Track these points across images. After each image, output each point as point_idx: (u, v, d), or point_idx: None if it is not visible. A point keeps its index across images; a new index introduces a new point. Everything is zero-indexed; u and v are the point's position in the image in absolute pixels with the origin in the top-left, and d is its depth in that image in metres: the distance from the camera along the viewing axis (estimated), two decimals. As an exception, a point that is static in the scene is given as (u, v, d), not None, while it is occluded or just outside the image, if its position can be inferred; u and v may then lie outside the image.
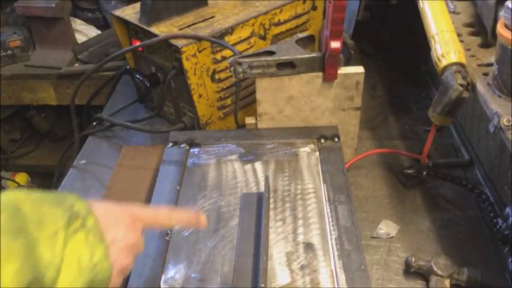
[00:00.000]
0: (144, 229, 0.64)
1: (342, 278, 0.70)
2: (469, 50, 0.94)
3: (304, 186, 0.87)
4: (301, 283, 0.70)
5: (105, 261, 0.56)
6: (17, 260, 0.49)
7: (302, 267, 0.73)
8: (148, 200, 0.92)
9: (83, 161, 1.16)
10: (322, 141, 0.96)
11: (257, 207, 0.82)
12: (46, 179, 1.89)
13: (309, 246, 0.76)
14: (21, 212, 0.52)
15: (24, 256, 0.49)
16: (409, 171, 1.03)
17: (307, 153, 0.94)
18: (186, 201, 0.86)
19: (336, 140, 0.96)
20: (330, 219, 0.79)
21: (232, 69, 0.94)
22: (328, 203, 0.82)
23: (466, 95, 0.84)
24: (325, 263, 0.73)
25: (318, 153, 0.94)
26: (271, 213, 0.82)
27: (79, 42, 1.74)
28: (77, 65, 1.70)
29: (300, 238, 0.77)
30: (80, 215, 0.56)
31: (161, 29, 1.07)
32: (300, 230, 0.79)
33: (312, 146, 0.96)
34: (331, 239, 0.76)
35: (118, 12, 1.15)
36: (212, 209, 0.84)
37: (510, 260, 0.83)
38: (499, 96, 0.80)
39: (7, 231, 0.49)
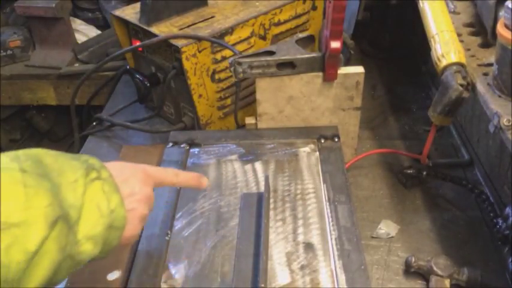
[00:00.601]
0: (155, 185, 0.69)
1: (342, 278, 0.70)
2: (469, 50, 0.94)
3: (304, 186, 0.87)
4: (301, 283, 0.70)
5: (121, 209, 0.60)
6: (47, 196, 0.52)
7: (302, 267, 0.73)
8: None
9: (83, 161, 1.16)
10: (322, 141, 0.96)
11: (257, 207, 0.82)
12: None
13: (309, 246, 0.76)
14: (43, 163, 0.55)
15: (52, 194, 0.52)
16: (409, 171, 1.03)
17: (307, 153, 0.94)
18: (186, 201, 0.86)
19: (336, 140, 0.96)
20: (330, 219, 0.79)
21: (232, 69, 0.94)
22: (328, 203, 0.82)
23: (466, 95, 0.84)
24: (325, 263, 0.73)
25: (318, 153, 0.94)
26: (271, 213, 0.82)
27: (79, 42, 1.74)
28: (77, 65, 1.70)
29: (300, 238, 0.77)
30: (95, 168, 0.60)
31: (161, 29, 1.07)
32: (300, 230, 0.79)
33: (312, 146, 0.96)
34: (331, 239, 0.76)
35: (118, 12, 1.15)
36: (212, 209, 0.84)
37: (510, 260, 0.83)
38: (499, 96, 0.80)
39: (34, 173, 0.53)
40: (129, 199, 0.63)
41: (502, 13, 0.82)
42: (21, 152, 0.55)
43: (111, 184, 0.60)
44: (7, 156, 0.54)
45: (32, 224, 0.49)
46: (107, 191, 0.59)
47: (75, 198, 0.56)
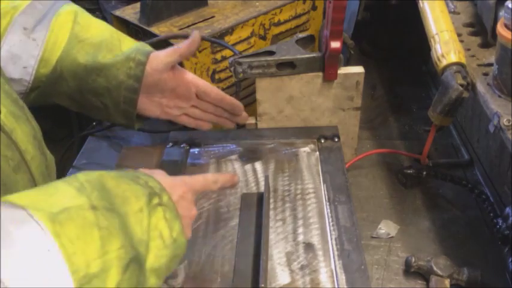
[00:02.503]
0: (196, 195, 0.68)
1: (342, 278, 0.70)
2: (469, 50, 0.94)
3: (304, 186, 0.87)
4: (301, 283, 0.70)
5: (182, 236, 0.59)
6: (119, 236, 0.49)
7: (302, 267, 0.73)
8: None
9: (83, 161, 1.16)
10: (322, 141, 0.96)
11: (257, 207, 0.82)
12: (46, 179, 1.88)
13: (309, 246, 0.76)
14: (106, 187, 0.53)
15: (123, 233, 0.50)
16: (409, 171, 1.02)
17: (307, 153, 0.94)
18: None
19: (336, 140, 0.96)
20: (330, 219, 0.79)
21: (232, 69, 0.94)
22: (328, 203, 0.82)
23: (466, 95, 0.84)
24: (325, 263, 0.73)
25: (318, 153, 0.94)
26: (271, 213, 0.82)
27: (79, 42, 1.73)
28: (77, 65, 1.69)
29: (300, 238, 0.77)
30: (156, 192, 0.58)
31: (161, 29, 1.07)
32: (300, 230, 0.79)
33: (312, 146, 0.96)
34: (331, 239, 0.76)
35: (118, 12, 1.15)
36: (212, 209, 0.84)
37: (510, 260, 0.82)
38: (499, 96, 0.80)
39: (104, 208, 0.50)
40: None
41: (502, 13, 0.82)
42: (83, 178, 0.52)
43: (172, 210, 0.58)
44: (71, 186, 0.50)
45: (108, 271, 0.46)
46: (169, 219, 0.57)
47: (142, 232, 0.53)
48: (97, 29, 0.83)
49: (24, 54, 0.76)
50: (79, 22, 0.81)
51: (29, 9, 0.77)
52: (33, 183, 0.61)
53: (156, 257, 0.54)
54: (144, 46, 0.84)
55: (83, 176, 0.53)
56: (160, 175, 0.63)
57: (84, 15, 0.84)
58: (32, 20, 0.77)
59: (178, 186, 0.64)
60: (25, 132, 0.61)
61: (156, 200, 0.57)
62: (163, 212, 0.57)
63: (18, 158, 0.58)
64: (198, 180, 0.69)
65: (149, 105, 0.86)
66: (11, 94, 0.63)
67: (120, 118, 0.84)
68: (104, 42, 0.81)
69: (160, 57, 0.82)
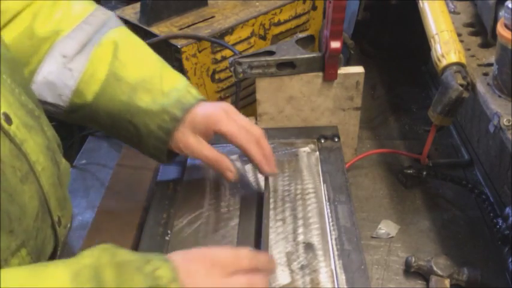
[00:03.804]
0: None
1: (342, 278, 0.70)
2: (469, 50, 0.94)
3: (304, 186, 0.87)
4: (301, 283, 0.70)
5: None
6: None
7: (302, 267, 0.73)
8: (148, 200, 0.92)
9: (83, 161, 1.16)
10: (322, 141, 0.96)
11: (257, 207, 0.82)
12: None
13: (309, 246, 0.76)
14: (102, 280, 0.50)
15: None
16: (409, 171, 1.03)
17: (307, 153, 0.94)
18: (185, 202, 0.86)
19: (336, 140, 0.96)
20: (330, 219, 0.79)
21: (232, 69, 0.94)
22: (328, 203, 0.82)
23: (466, 95, 0.84)
24: (325, 263, 0.73)
25: (318, 153, 0.94)
26: (271, 213, 0.82)
27: (79, 42, 1.74)
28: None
29: (300, 238, 0.77)
30: (161, 284, 0.52)
31: (161, 29, 1.07)
32: (300, 230, 0.79)
33: (312, 146, 0.96)
34: (331, 239, 0.76)
35: (118, 12, 1.15)
36: (212, 209, 0.84)
37: (510, 260, 0.83)
38: (499, 96, 0.80)
39: None
40: None
41: (502, 13, 0.82)
42: (85, 263, 0.50)
43: None
44: (68, 269, 0.49)
45: None
46: None
47: None
48: (137, 66, 0.79)
49: (60, 83, 0.75)
50: (118, 57, 0.77)
51: (73, 34, 0.75)
52: (42, 194, 0.61)
53: None
54: (186, 95, 0.78)
55: (87, 259, 0.51)
56: (180, 255, 0.58)
57: (124, 48, 0.79)
58: (73, 47, 0.75)
59: (203, 272, 0.57)
60: (38, 143, 0.61)
61: None
62: None
63: (26, 168, 0.58)
64: (229, 257, 0.60)
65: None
66: (27, 105, 0.63)
67: (151, 155, 0.83)
68: (143, 83, 0.77)
69: (198, 119, 0.76)
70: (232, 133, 0.77)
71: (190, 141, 0.77)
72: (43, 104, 0.75)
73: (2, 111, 0.56)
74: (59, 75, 0.75)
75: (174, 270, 0.53)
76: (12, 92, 0.60)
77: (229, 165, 0.79)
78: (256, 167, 0.80)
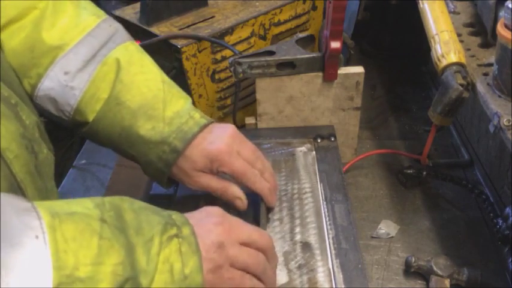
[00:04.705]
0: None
1: (340, 277, 0.70)
2: (469, 50, 0.94)
3: (301, 185, 0.87)
4: (299, 282, 0.70)
5: (197, 275, 0.54)
6: (121, 252, 0.48)
7: (299, 267, 0.73)
8: (147, 200, 0.92)
9: (83, 161, 1.17)
10: (319, 140, 0.96)
11: (254, 207, 0.82)
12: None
13: (306, 246, 0.76)
14: (123, 219, 0.52)
15: (125, 251, 0.49)
16: (409, 171, 1.02)
17: (304, 152, 0.94)
18: (185, 202, 0.86)
19: (333, 139, 0.96)
20: (327, 218, 0.79)
21: (232, 69, 0.94)
22: (325, 202, 0.82)
23: (466, 95, 0.84)
24: (323, 262, 0.73)
25: (314, 152, 0.94)
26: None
27: (80, 42, 1.74)
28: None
29: (297, 237, 0.77)
30: (176, 223, 0.55)
31: (161, 29, 1.07)
32: (297, 229, 0.79)
33: (309, 145, 0.96)
34: (328, 238, 0.76)
35: (118, 12, 1.15)
36: (211, 209, 0.84)
37: (510, 260, 0.82)
38: (499, 96, 0.80)
39: (113, 225, 0.50)
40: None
41: (502, 13, 0.82)
42: (108, 199, 0.53)
43: (191, 244, 0.54)
44: (93, 201, 0.51)
45: (98, 282, 0.45)
46: (184, 252, 0.53)
47: (148, 261, 0.50)
48: (140, 89, 0.75)
49: (61, 100, 0.74)
50: (121, 79, 0.74)
51: (77, 49, 0.73)
52: (14, 181, 0.59)
53: None
54: (189, 121, 0.75)
55: (109, 198, 0.53)
56: (199, 218, 0.60)
57: (128, 69, 0.76)
58: (76, 64, 0.73)
59: (216, 231, 0.59)
60: (10, 130, 0.59)
61: (173, 231, 0.54)
62: (179, 244, 0.54)
63: None
64: (245, 229, 0.64)
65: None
66: (2, 93, 0.61)
67: (152, 179, 0.83)
68: (144, 108, 0.74)
69: (198, 157, 0.74)
70: (237, 174, 0.75)
71: (191, 174, 0.76)
72: (48, 114, 0.75)
73: None
74: (60, 92, 0.73)
75: (185, 217, 0.58)
76: None
77: (238, 192, 0.76)
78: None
